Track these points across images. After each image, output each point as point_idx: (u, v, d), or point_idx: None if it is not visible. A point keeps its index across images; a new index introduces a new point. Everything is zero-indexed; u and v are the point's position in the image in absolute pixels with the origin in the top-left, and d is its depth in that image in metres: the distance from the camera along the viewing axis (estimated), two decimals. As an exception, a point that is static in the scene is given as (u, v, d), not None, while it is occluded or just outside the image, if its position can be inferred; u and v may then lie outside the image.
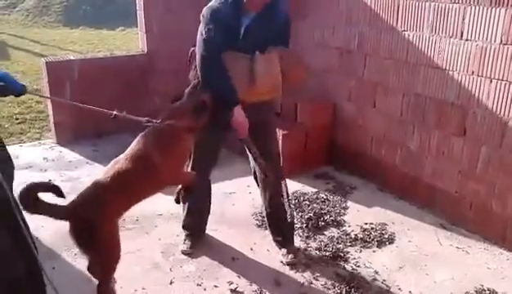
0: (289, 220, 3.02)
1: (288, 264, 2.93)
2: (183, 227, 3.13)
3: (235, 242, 3.17)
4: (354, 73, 4.08)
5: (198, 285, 2.73)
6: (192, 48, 2.74)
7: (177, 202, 2.71)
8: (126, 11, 11.91)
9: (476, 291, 2.70)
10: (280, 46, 2.66)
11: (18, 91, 2.13)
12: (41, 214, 2.04)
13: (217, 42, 2.53)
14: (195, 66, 2.67)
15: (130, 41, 10.71)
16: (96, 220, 2.15)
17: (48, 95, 4.69)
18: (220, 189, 3.13)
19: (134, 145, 2.34)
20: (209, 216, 3.16)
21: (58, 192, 2.07)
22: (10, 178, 2.02)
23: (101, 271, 2.29)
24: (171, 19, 5.03)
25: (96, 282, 2.26)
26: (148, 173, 2.28)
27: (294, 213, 3.18)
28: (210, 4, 2.58)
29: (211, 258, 2.99)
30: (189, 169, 2.85)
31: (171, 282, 2.75)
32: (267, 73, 2.59)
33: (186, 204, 3.04)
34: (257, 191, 3.41)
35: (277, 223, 3.05)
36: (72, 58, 5.05)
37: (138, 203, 2.32)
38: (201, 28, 2.59)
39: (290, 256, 2.96)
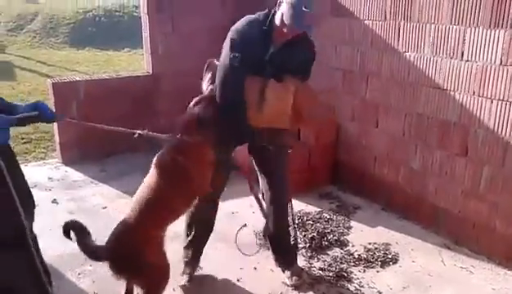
0: (292, 242, 3.00)
1: (293, 286, 2.91)
2: (185, 249, 2.99)
3: (238, 261, 3.16)
4: (357, 94, 4.12)
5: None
6: (209, 60, 2.73)
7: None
8: (131, 32, 12.06)
9: (481, 312, 2.69)
10: (297, 79, 2.65)
11: (50, 119, 2.16)
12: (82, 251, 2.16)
13: (242, 73, 2.49)
14: (209, 79, 2.67)
15: (135, 62, 10.83)
16: (136, 250, 2.21)
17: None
18: (223, 208, 3.14)
19: (159, 162, 2.36)
20: (213, 235, 3.16)
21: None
22: (30, 216, 2.02)
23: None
24: (176, 40, 5.12)
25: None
26: (181, 187, 2.32)
27: (298, 233, 3.18)
28: (240, 27, 2.52)
29: (214, 278, 2.99)
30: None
31: (174, 302, 2.75)
32: (277, 101, 2.57)
33: (192, 228, 2.95)
34: (256, 212, 3.42)
35: (281, 246, 3.00)
36: (78, 79, 5.12)
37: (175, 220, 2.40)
38: (227, 52, 2.51)
39: (295, 277, 2.93)
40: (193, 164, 2.33)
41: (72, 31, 13.74)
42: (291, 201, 2.98)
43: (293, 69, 2.58)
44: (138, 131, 2.35)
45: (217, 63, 2.64)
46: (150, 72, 5.20)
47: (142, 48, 5.47)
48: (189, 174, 2.32)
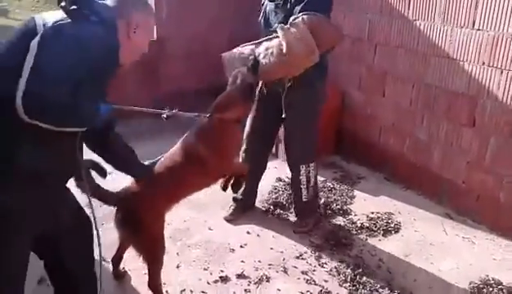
0: (304, 199, 3.13)
1: (295, 232, 3.12)
2: (233, 198, 3.35)
3: (242, 228, 3.20)
4: (364, 62, 4.06)
5: (204, 269, 2.77)
6: (222, 55, 2.83)
7: (224, 189, 2.67)
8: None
9: (481, 281, 2.71)
10: (304, 12, 2.60)
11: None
12: (94, 197, 2.13)
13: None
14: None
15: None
16: (142, 212, 2.23)
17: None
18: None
19: (184, 140, 2.40)
20: (221, 202, 3.25)
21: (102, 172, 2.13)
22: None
23: (145, 263, 2.35)
24: (181, 4, 5.03)
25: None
26: (197, 167, 2.33)
27: (312, 193, 3.16)
28: None
29: (218, 244, 3.02)
30: (242, 154, 3.07)
31: (178, 267, 2.79)
32: (295, 44, 2.54)
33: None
34: (264, 179, 3.45)
35: (294, 197, 3.22)
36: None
37: (190, 196, 2.42)
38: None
39: (297, 226, 3.17)
40: (209, 149, 2.34)
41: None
42: (311, 162, 3.09)
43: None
44: (166, 112, 2.27)
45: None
46: (155, 36, 5.13)
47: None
48: (204, 158, 2.33)
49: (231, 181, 2.65)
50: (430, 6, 3.41)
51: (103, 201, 2.23)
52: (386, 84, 3.90)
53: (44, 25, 1.53)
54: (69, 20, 1.55)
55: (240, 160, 3.15)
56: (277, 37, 2.57)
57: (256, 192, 3.41)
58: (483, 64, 3.13)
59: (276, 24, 2.65)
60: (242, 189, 3.26)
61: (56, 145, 1.60)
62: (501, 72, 3.03)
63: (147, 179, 2.27)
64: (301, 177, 3.09)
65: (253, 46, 2.68)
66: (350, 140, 4.34)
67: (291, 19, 2.58)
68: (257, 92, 2.66)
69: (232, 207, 3.35)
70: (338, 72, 4.31)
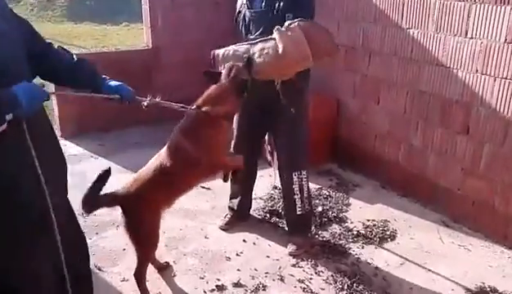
0: (299, 212, 3.03)
1: (289, 254, 2.98)
2: (228, 207, 3.33)
3: (238, 236, 3.19)
4: (358, 70, 4.08)
5: (201, 278, 2.75)
6: (213, 51, 2.79)
7: (225, 180, 2.67)
8: (130, 6, 11.91)
9: (477, 289, 2.71)
10: (299, 18, 2.57)
11: (129, 100, 2.09)
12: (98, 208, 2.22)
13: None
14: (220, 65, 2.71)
15: (133, 37, 10.70)
16: (137, 210, 2.28)
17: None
18: (221, 185, 3.16)
19: (172, 137, 2.36)
20: (217, 210, 3.23)
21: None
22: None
23: (136, 255, 2.40)
24: (176, 13, 5.05)
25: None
26: (187, 165, 2.30)
27: (307, 205, 3.06)
28: None
29: (214, 252, 3.01)
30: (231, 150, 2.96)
31: (174, 275, 2.77)
32: (292, 47, 2.49)
33: (235, 183, 3.21)
34: (259, 186, 3.45)
35: (286, 213, 3.15)
36: (77, 52, 5.06)
37: (184, 193, 2.42)
38: None
39: (292, 247, 3.01)
40: (197, 145, 2.30)
41: (70, 4, 13.56)
42: (303, 169, 3.00)
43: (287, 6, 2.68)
44: (147, 101, 2.21)
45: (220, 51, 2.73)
46: (150, 45, 5.15)
47: (140, 22, 5.42)
48: (193, 155, 2.29)
49: (230, 175, 2.63)
50: (424, 15, 3.44)
51: (106, 206, 2.29)
52: (380, 92, 3.92)
53: None
54: None
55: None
56: (273, 39, 2.54)
57: (251, 201, 3.39)
58: (477, 71, 3.15)
59: (260, 31, 2.69)
60: (238, 199, 3.28)
61: None
62: (494, 79, 3.05)
63: (141, 176, 2.30)
64: (294, 186, 3.00)
65: (248, 46, 2.63)
66: (345, 148, 4.35)
67: (286, 23, 2.55)
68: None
69: (228, 216, 3.33)
70: (332, 80, 4.34)
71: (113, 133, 4.80)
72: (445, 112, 3.42)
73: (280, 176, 3.12)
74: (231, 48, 2.70)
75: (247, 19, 2.87)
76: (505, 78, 2.99)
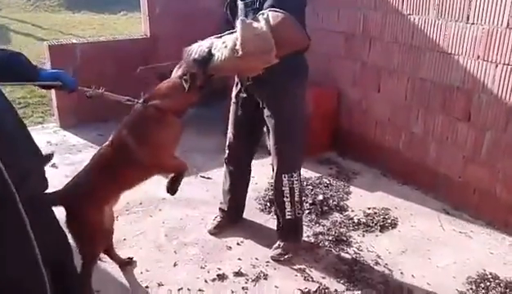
0: (288, 216, 2.85)
1: (271, 258, 2.84)
2: (219, 208, 3.20)
3: (238, 226, 3.18)
4: (358, 58, 4.05)
5: (201, 267, 2.75)
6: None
7: (171, 188, 2.42)
8: (128, -6, 11.82)
9: (478, 276, 2.71)
10: (268, 10, 2.38)
11: (72, 88, 2.02)
12: None
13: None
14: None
15: (131, 26, 10.62)
16: (79, 207, 2.17)
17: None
18: (221, 174, 3.16)
19: (116, 131, 2.26)
20: (213, 200, 3.19)
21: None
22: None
23: (80, 253, 2.26)
24: (174, 2, 5.01)
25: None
26: (129, 161, 2.19)
27: (298, 209, 2.87)
28: None
29: (215, 242, 3.01)
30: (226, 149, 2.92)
31: (175, 265, 2.77)
32: (251, 41, 2.28)
33: (227, 183, 3.10)
34: (259, 175, 3.44)
35: (277, 211, 2.95)
36: (75, 42, 5.03)
37: (129, 190, 2.32)
38: None
39: (276, 251, 2.87)
40: (139, 141, 2.19)
41: (67, -7, 13.44)
42: (294, 172, 2.80)
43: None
44: (90, 91, 2.13)
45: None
46: (148, 34, 5.10)
47: (138, 11, 5.37)
48: (135, 151, 2.18)
49: (169, 179, 2.42)
50: (425, 1, 3.40)
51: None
52: (381, 79, 3.89)
53: None
54: None
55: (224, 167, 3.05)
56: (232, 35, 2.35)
57: (244, 204, 3.22)
58: (478, 57, 3.12)
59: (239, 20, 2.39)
60: (228, 198, 3.12)
61: None
62: (496, 66, 3.02)
63: (81, 174, 2.22)
64: (284, 188, 2.79)
65: (214, 39, 2.43)
66: (346, 136, 4.33)
67: (257, 14, 2.39)
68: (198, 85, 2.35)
69: (217, 219, 3.17)
70: (332, 68, 4.31)
71: (112, 123, 4.74)
72: (446, 99, 3.40)
73: (272, 175, 2.93)
74: (197, 43, 2.47)
75: (238, 9, 2.67)
76: (507, 64, 2.96)
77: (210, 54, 2.35)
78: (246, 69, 2.47)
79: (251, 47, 2.26)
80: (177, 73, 2.37)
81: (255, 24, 2.31)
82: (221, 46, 2.34)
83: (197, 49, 2.41)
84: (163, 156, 2.30)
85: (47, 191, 1.81)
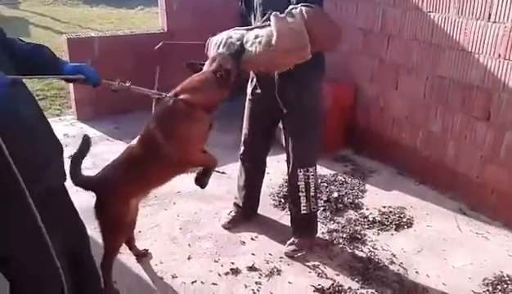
0: (303, 211, 2.85)
1: (285, 254, 2.83)
2: (234, 203, 3.20)
3: (252, 221, 3.18)
4: (377, 54, 4.01)
5: (215, 261, 2.76)
6: (210, 38, 2.55)
7: (197, 183, 2.40)
8: (146, -11, 11.87)
9: (495, 278, 2.67)
10: (302, 3, 2.35)
11: (96, 82, 1.96)
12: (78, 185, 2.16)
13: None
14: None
15: (148, 20, 10.67)
16: (108, 197, 2.21)
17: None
18: (236, 169, 3.16)
19: (145, 126, 2.24)
20: (227, 195, 3.20)
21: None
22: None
23: (103, 242, 2.32)
24: (191, -3, 5.02)
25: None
26: (157, 156, 2.16)
27: (313, 204, 2.86)
28: None
29: (229, 236, 3.01)
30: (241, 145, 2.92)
31: (189, 258, 2.78)
32: (287, 37, 2.27)
33: (242, 179, 3.10)
34: (274, 171, 3.43)
35: (291, 207, 2.95)
36: (93, 35, 5.06)
37: (159, 187, 2.34)
38: None
39: (290, 247, 2.85)
40: (168, 136, 2.15)
41: (86, -13, 13.54)
42: (310, 167, 2.79)
43: None
44: (115, 84, 2.06)
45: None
46: (165, 29, 5.12)
47: (156, 6, 5.38)
48: (164, 147, 2.15)
49: (199, 173, 2.37)
50: (445, -2, 3.35)
51: (84, 187, 2.22)
52: (399, 77, 3.85)
53: None
54: None
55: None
56: (269, 25, 2.31)
57: (258, 199, 3.21)
58: (499, 56, 3.07)
59: (268, 15, 2.36)
60: (243, 193, 3.12)
61: None
62: (518, 64, 2.97)
63: (114, 165, 2.26)
64: (299, 183, 2.79)
65: (244, 32, 2.38)
66: (362, 134, 4.30)
67: (289, 8, 2.35)
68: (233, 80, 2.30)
69: (232, 214, 3.17)
70: (349, 64, 4.28)
71: (129, 116, 4.80)
72: (465, 97, 3.35)
73: (287, 171, 2.91)
74: (225, 34, 2.43)
75: (255, 1, 2.63)
76: (529, 63, 2.91)
77: (243, 47, 2.31)
78: (279, 65, 2.43)
79: (287, 43, 2.25)
80: (210, 67, 2.29)
81: (289, 19, 2.28)
82: (254, 40, 2.30)
83: (227, 41, 2.36)
84: (191, 151, 2.25)
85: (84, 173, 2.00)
